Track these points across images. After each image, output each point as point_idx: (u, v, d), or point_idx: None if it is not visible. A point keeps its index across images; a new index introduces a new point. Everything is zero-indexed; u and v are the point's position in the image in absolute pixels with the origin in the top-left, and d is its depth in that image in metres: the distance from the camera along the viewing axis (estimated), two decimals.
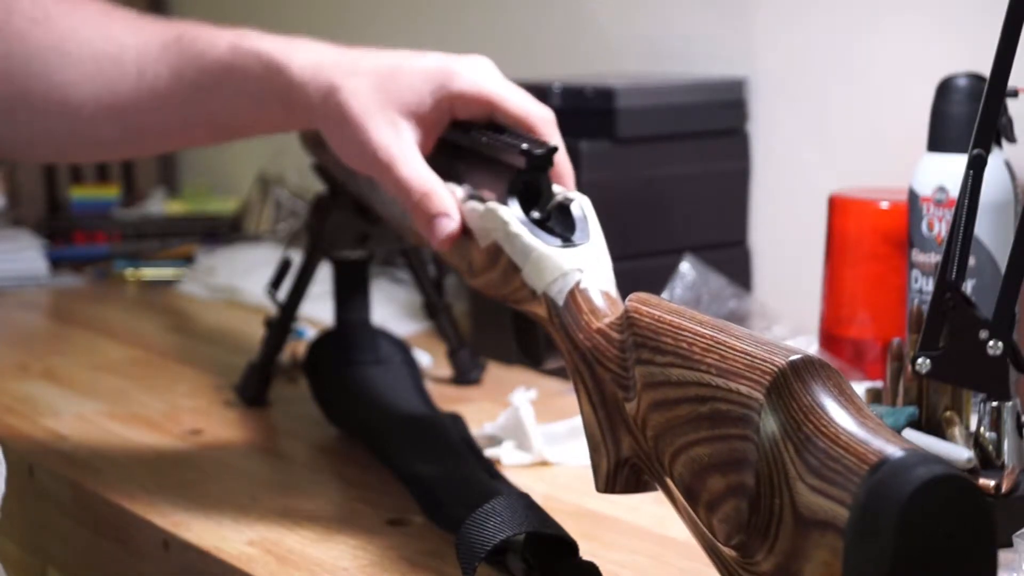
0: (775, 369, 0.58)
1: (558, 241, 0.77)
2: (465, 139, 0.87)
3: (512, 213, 0.79)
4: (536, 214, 0.80)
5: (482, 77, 0.89)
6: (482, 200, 0.82)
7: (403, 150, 0.87)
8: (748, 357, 0.60)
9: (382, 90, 0.88)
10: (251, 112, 0.94)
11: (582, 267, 0.75)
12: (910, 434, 0.81)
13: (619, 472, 0.70)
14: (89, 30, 0.96)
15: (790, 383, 0.58)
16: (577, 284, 0.75)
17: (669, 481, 0.65)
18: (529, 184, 0.80)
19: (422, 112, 0.88)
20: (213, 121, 0.96)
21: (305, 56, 0.90)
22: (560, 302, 0.75)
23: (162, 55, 0.94)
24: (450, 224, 0.85)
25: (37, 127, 0.96)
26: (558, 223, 0.79)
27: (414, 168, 0.86)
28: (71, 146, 1.00)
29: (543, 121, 0.88)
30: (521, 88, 0.90)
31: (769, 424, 0.58)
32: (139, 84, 0.94)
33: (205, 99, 0.93)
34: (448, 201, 0.85)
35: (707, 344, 0.63)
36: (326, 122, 0.90)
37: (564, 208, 0.80)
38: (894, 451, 0.54)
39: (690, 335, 0.64)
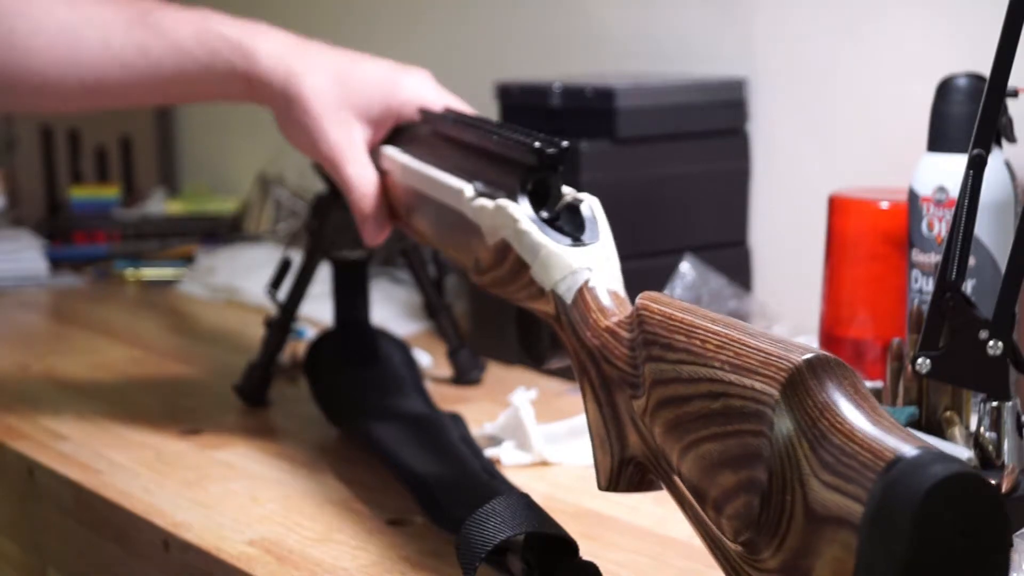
0: (791, 366, 0.58)
1: (567, 240, 0.77)
2: (476, 136, 0.87)
3: (522, 211, 0.79)
4: (545, 213, 0.80)
5: (424, 88, 1.01)
6: (492, 197, 0.82)
7: (352, 149, 0.98)
8: (763, 354, 0.60)
9: (338, 89, 0.99)
10: (212, 88, 1.03)
11: (591, 266, 0.75)
12: None
13: (623, 470, 0.70)
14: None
15: (806, 380, 0.58)
16: (586, 283, 0.75)
17: (676, 479, 0.65)
18: (539, 183, 0.80)
19: (371, 115, 0.99)
20: (173, 91, 1.06)
21: (270, 43, 1.01)
22: (568, 300, 0.75)
23: (129, 30, 1.02)
24: (380, 230, 0.98)
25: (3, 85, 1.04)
26: (567, 223, 0.80)
27: (360, 167, 0.98)
28: (31, 98, 1.07)
29: None
30: (456, 97, 1.01)
31: (783, 421, 0.58)
32: (104, 54, 1.02)
33: (169, 74, 1.03)
34: (381, 206, 0.98)
35: (720, 341, 0.63)
36: (284, 108, 1.00)
37: (574, 208, 0.80)
38: (909, 449, 0.54)
39: (702, 332, 0.64)
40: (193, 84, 1.03)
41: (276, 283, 1.16)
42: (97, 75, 1.03)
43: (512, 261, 0.79)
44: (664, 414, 0.65)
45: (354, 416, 1.02)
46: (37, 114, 1.91)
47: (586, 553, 0.75)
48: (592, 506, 0.89)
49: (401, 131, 1.00)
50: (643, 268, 1.16)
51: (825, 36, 1.21)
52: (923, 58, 1.12)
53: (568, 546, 0.74)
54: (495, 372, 1.21)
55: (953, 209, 0.80)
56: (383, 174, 0.99)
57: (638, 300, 0.70)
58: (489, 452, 0.97)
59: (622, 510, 0.88)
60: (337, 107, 0.98)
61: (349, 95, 0.99)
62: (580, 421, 0.94)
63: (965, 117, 0.95)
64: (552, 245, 0.76)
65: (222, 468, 0.99)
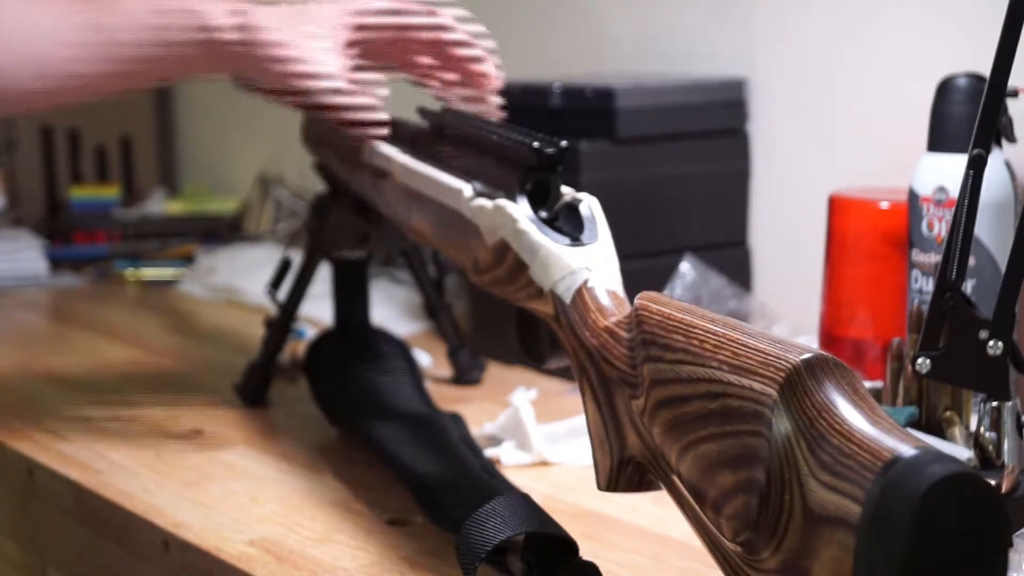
0: (789, 366, 0.58)
1: (566, 240, 0.77)
2: (475, 135, 0.87)
3: (521, 210, 0.79)
4: (544, 213, 0.80)
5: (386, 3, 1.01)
6: (491, 197, 0.82)
7: (325, 64, 0.97)
8: (761, 354, 0.60)
9: (294, 22, 0.98)
10: (172, 60, 1.00)
11: (590, 266, 0.75)
12: None
13: (622, 471, 0.70)
14: None
15: (804, 380, 0.58)
16: (585, 283, 0.75)
17: (675, 479, 0.65)
18: (538, 183, 0.80)
19: (336, 40, 0.98)
20: (131, 68, 1.01)
21: (220, 5, 0.99)
22: (567, 300, 0.75)
23: (74, 4, 0.99)
24: (381, 125, 0.97)
25: None
26: (566, 222, 0.79)
27: (329, 68, 0.97)
28: None
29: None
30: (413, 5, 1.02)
31: (782, 421, 0.58)
32: (53, 34, 0.98)
33: (125, 48, 0.99)
34: (377, 102, 0.97)
35: (719, 341, 0.63)
36: (244, 61, 0.98)
37: (572, 208, 0.80)
38: (907, 449, 0.54)
39: (701, 332, 0.64)
40: (153, 60, 1.00)
41: (276, 283, 1.16)
42: (48, 56, 0.99)
43: (511, 261, 0.79)
44: (663, 414, 0.65)
45: (354, 416, 1.02)
46: (35, 114, 1.90)
47: (586, 553, 0.75)
48: (592, 506, 0.89)
49: (399, 130, 1.00)
50: (643, 268, 1.16)
51: (825, 36, 1.21)
52: (923, 58, 1.12)
53: (568, 546, 0.74)
54: (495, 372, 1.21)
55: (953, 209, 0.80)
56: (383, 175, 0.99)
57: (637, 300, 0.70)
58: (489, 452, 0.97)
59: (622, 510, 0.88)
60: (296, 34, 0.97)
61: (308, 28, 0.98)
62: (580, 421, 0.93)
63: (965, 117, 0.95)
64: (551, 245, 0.76)
65: (222, 468, 0.99)
